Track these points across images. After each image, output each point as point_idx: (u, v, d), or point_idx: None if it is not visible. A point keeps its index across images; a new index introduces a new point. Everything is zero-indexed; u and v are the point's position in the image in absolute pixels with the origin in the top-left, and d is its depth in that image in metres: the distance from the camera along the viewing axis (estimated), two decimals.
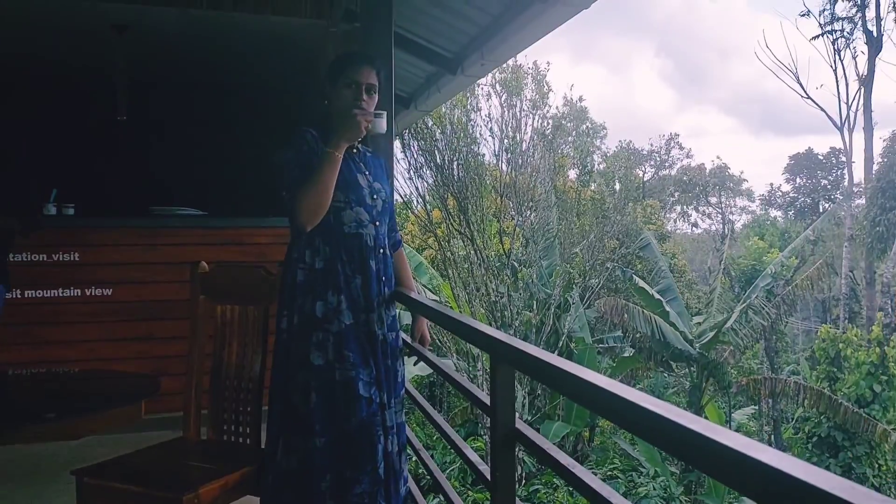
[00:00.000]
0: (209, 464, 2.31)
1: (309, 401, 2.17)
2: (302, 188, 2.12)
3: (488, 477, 1.84)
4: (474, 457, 2.07)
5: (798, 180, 37.70)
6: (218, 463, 2.30)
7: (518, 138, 12.72)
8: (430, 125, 12.16)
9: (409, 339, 2.63)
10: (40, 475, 3.51)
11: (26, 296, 4.14)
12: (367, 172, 2.35)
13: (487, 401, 1.84)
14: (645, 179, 33.04)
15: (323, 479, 2.15)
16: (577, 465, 1.46)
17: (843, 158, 30.35)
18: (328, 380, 2.18)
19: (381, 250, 2.34)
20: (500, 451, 1.73)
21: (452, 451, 2.38)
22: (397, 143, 12.26)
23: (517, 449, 1.77)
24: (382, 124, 2.25)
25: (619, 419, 1.16)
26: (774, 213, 39.35)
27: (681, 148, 37.62)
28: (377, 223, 2.32)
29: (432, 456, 10.91)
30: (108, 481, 2.17)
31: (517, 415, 1.75)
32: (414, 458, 2.87)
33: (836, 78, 25.15)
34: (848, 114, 24.98)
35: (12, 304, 4.09)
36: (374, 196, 2.33)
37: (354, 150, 2.36)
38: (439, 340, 11.38)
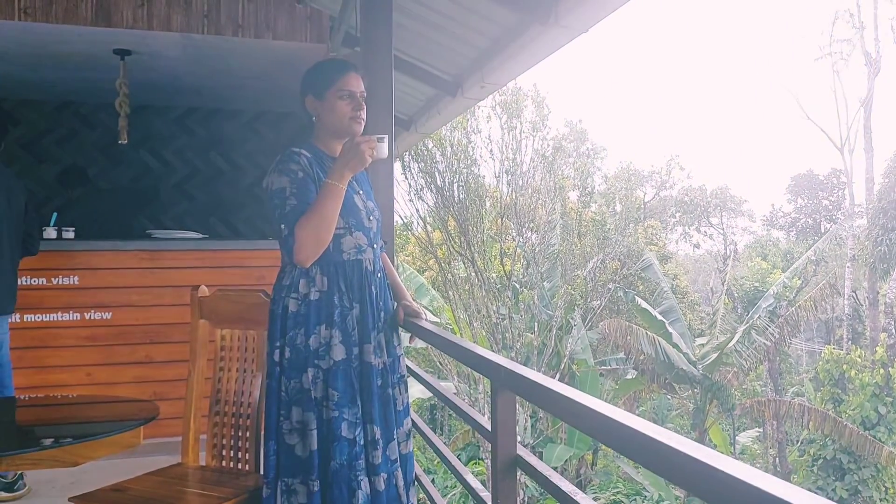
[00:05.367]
0: (208, 490, 2.28)
1: (306, 441, 2.03)
2: (301, 223, 1.98)
3: None
4: (476, 483, 2.05)
5: (799, 201, 37.70)
6: (216, 490, 2.27)
7: (518, 160, 12.76)
8: (430, 147, 12.21)
9: (411, 365, 2.61)
10: (38, 502, 3.47)
11: (25, 319, 4.13)
12: (361, 192, 2.22)
13: (488, 426, 1.82)
14: (646, 200, 33.04)
15: None
16: (580, 492, 1.45)
17: (844, 179, 30.43)
18: (319, 417, 2.05)
19: (379, 274, 2.24)
20: (502, 478, 1.70)
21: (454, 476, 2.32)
22: (398, 165, 12.30)
23: (518, 474, 1.75)
24: (385, 150, 2.10)
25: (622, 447, 1.14)
26: (776, 233, 39.35)
27: (681, 168, 37.68)
28: (375, 245, 2.22)
29: (433, 481, 10.81)
30: None
31: (519, 439, 1.73)
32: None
33: (836, 98, 25.42)
34: (848, 134, 25.13)
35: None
36: (371, 217, 2.22)
37: None
38: (440, 362, 11.33)
